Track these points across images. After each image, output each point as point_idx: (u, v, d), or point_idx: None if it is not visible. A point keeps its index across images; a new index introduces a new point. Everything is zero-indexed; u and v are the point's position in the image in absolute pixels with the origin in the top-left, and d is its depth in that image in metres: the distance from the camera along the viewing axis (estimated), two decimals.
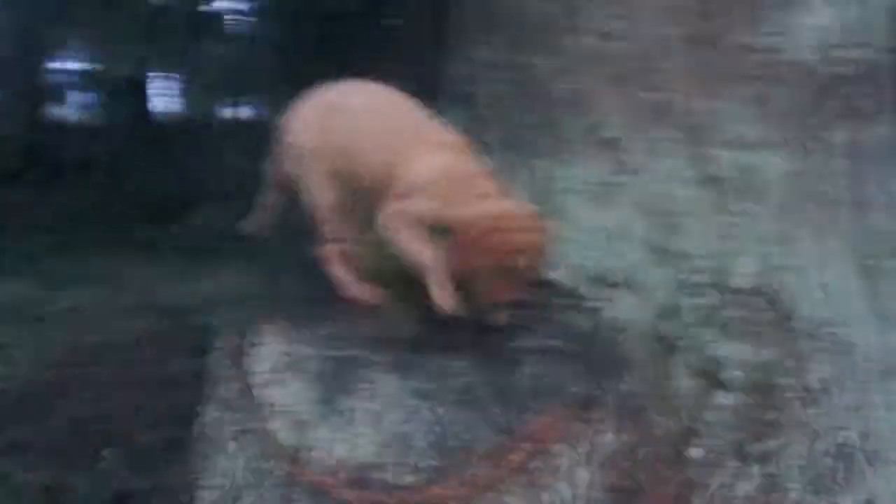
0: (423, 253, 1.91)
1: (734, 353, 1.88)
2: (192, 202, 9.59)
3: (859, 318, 2.08)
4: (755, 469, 1.77)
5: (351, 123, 2.03)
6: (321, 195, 2.10)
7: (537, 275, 1.85)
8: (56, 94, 10.86)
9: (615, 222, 2.05)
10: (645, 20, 2.05)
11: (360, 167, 2.02)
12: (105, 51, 7.43)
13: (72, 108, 13.90)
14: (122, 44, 7.03)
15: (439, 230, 1.85)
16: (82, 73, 9.84)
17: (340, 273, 2.14)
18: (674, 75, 2.05)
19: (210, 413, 1.90)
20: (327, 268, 2.15)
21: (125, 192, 8.90)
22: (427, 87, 2.22)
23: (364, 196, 2.08)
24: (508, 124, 2.24)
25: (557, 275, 2.07)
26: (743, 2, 2.04)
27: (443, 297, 1.88)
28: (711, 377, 1.86)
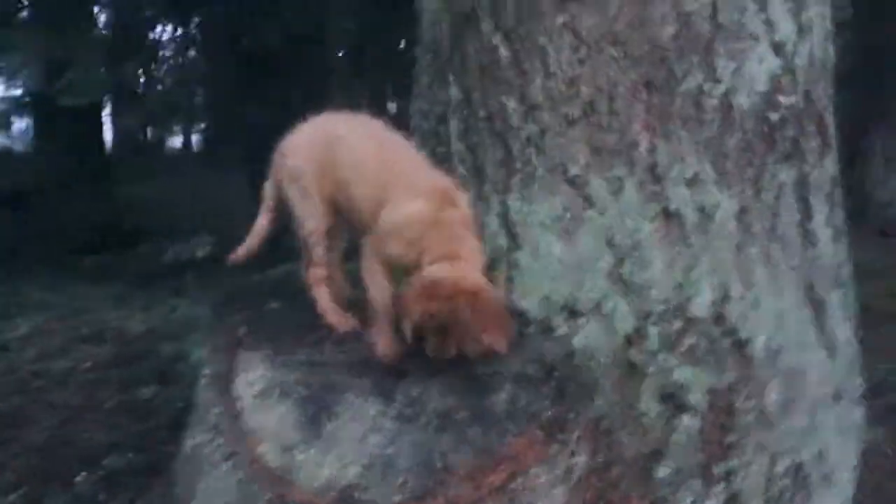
0: (379, 300, 2.04)
1: (696, 378, 1.99)
2: (136, 231, 9.53)
3: (809, 346, 2.22)
4: (720, 488, 1.88)
5: (346, 156, 2.13)
6: (310, 219, 2.19)
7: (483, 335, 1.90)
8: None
9: (581, 255, 2.15)
10: (608, 66, 2.17)
11: (350, 201, 2.12)
12: (51, 78, 7.36)
13: (16, 136, 13.71)
14: (70, 71, 6.99)
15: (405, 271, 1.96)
16: (27, 100, 9.71)
17: (322, 298, 2.23)
18: (634, 118, 2.18)
19: (197, 436, 1.95)
20: (311, 292, 2.24)
21: (69, 221, 8.78)
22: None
23: (351, 227, 2.18)
24: (478, 160, 2.34)
25: (527, 304, 2.18)
26: (697, 50, 2.17)
27: (384, 344, 2.03)
28: (676, 401, 1.97)
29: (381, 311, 2.04)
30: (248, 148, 9.82)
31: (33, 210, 8.97)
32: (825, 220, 2.33)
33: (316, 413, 1.90)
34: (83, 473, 2.85)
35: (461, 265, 1.89)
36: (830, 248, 2.35)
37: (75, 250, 8.15)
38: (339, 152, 2.14)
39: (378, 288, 2.05)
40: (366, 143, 2.13)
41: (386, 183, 2.03)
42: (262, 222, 2.37)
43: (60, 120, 8.96)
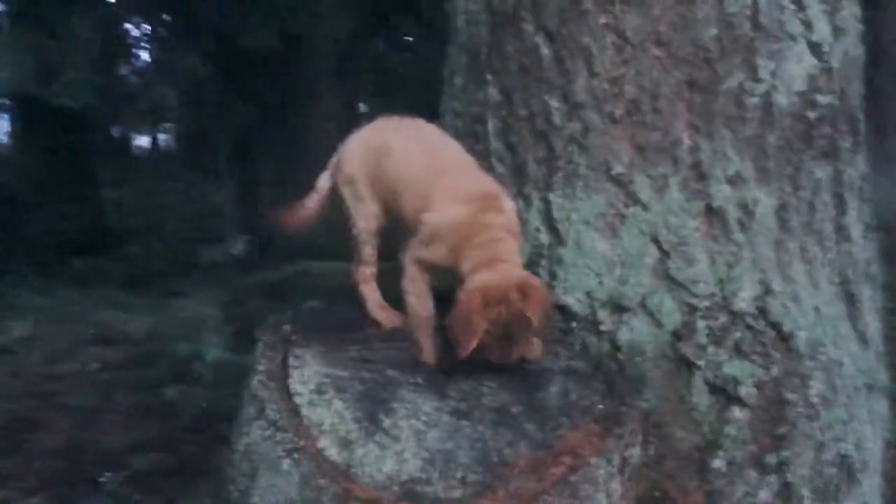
0: (418, 306, 2.07)
1: (745, 370, 2.03)
2: (123, 233, 9.48)
3: (844, 338, 2.27)
4: (773, 478, 1.92)
5: (394, 168, 2.16)
6: (361, 220, 2.24)
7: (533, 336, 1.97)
8: None
9: (626, 251, 2.19)
10: (652, 65, 2.21)
11: (400, 210, 2.16)
12: (39, 80, 7.29)
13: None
14: (64, 73, 6.94)
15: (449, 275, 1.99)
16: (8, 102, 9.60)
17: (370, 295, 2.27)
18: (678, 117, 2.22)
19: (253, 434, 1.95)
20: (359, 288, 2.28)
21: (55, 224, 8.71)
22: None
23: (401, 230, 2.21)
24: (518, 159, 2.37)
25: (571, 301, 2.21)
26: (738, 50, 2.22)
27: (427, 351, 2.07)
28: (727, 394, 2.00)
29: (421, 320, 2.07)
30: (230, 149, 9.82)
31: (18, 213, 8.88)
32: (857, 216, 2.39)
33: (373, 409, 1.92)
34: (108, 474, 2.84)
35: (502, 266, 1.91)
36: (862, 243, 2.41)
37: (62, 253, 8.07)
38: (388, 164, 2.17)
39: (418, 296, 2.07)
40: (414, 153, 2.16)
41: (430, 189, 2.06)
42: (317, 202, 2.38)
43: (46, 122, 8.87)
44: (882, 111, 8.08)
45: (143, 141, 23.64)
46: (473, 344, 1.85)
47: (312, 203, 2.39)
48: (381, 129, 2.29)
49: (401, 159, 2.16)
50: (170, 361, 3.83)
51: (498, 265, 1.91)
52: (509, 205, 2.05)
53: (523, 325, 1.86)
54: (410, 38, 11.85)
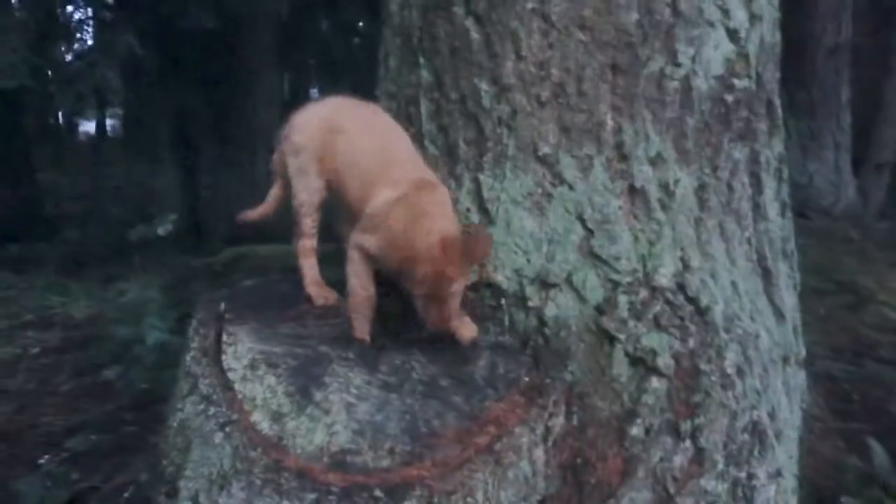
0: (359, 287, 2.12)
1: (663, 343, 2.12)
2: (55, 219, 9.32)
3: (760, 312, 2.37)
4: (687, 444, 2.02)
5: (345, 149, 2.22)
6: (304, 192, 2.29)
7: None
8: None
9: (552, 229, 2.26)
10: (577, 49, 2.28)
11: (343, 188, 2.22)
12: None
13: None
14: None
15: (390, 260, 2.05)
16: None
17: (308, 269, 2.33)
18: (601, 99, 2.29)
19: (187, 409, 1.99)
20: (297, 261, 2.34)
21: None
22: None
23: (342, 211, 2.26)
24: (450, 140, 2.43)
25: (501, 278, 2.28)
26: (659, 35, 2.29)
27: (360, 330, 2.13)
28: (646, 365, 2.09)
29: (360, 300, 2.12)
30: (171, 133, 9.71)
31: None
32: (774, 195, 2.50)
33: (305, 383, 1.97)
34: (46, 456, 2.84)
35: (428, 229, 1.98)
36: (778, 221, 2.51)
37: None
38: (338, 142, 2.23)
39: (360, 278, 2.12)
40: (364, 138, 2.21)
41: (375, 179, 2.12)
42: (276, 190, 2.47)
43: None
44: (816, 95, 8.31)
45: (89, 126, 23.14)
46: (425, 285, 1.95)
47: (276, 191, 2.46)
48: (336, 107, 2.33)
49: (352, 143, 2.21)
50: (110, 344, 3.81)
51: (429, 217, 1.99)
52: (444, 190, 2.13)
53: (448, 283, 1.94)
54: (355, 20, 11.77)
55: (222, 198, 8.59)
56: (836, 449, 3.11)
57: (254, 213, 2.50)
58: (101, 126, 21.84)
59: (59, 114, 20.98)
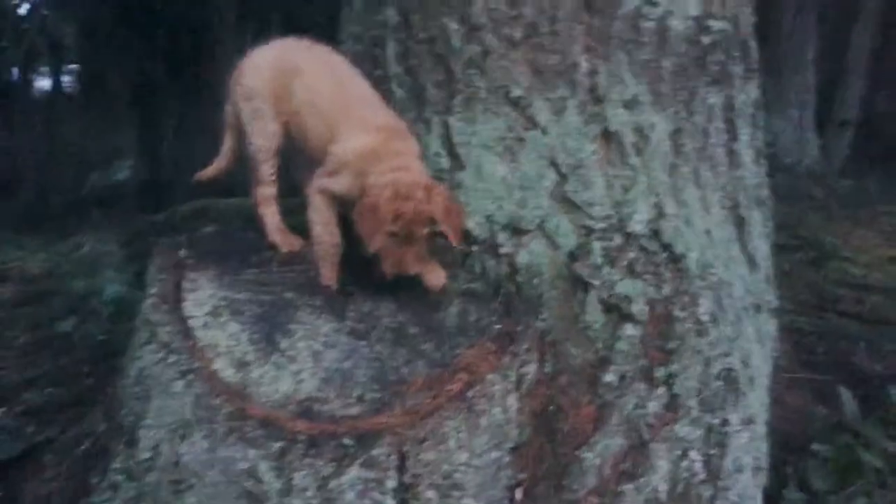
0: (325, 234, 2.05)
1: (637, 290, 2.08)
2: (9, 177, 9.09)
3: (734, 260, 2.34)
4: (661, 391, 1.99)
5: (302, 89, 2.13)
6: (260, 137, 2.19)
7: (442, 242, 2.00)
8: None
9: (524, 175, 2.20)
10: None
11: (302, 133, 2.14)
12: None
13: None
14: None
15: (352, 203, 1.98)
16: None
17: (269, 217, 2.25)
18: (575, 40, 2.22)
19: (146, 357, 1.92)
20: (257, 210, 2.25)
21: None
22: None
23: (302, 157, 2.17)
24: (418, 83, 2.35)
25: (471, 224, 2.22)
26: None
27: (327, 275, 2.06)
28: (620, 311, 2.05)
29: (327, 246, 2.06)
30: (130, 92, 9.48)
31: None
32: (748, 142, 2.45)
33: (269, 330, 1.91)
34: (1, 409, 2.76)
35: (409, 171, 1.95)
36: (753, 168, 2.47)
37: None
38: (295, 83, 2.14)
39: (325, 224, 2.05)
40: (323, 78, 2.13)
41: (338, 120, 2.04)
42: (229, 143, 2.36)
43: None
44: (782, 53, 8.32)
45: (45, 83, 22.56)
46: (381, 236, 1.88)
47: (229, 143, 2.36)
48: (289, 49, 2.23)
49: (310, 83, 2.12)
50: (66, 298, 3.70)
51: (405, 172, 1.94)
52: (413, 139, 2.07)
53: (426, 226, 1.90)
54: None
55: (183, 154, 8.42)
56: (803, 399, 3.13)
57: (209, 171, 2.41)
58: (56, 82, 21.31)
59: (13, 70, 20.43)
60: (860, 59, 9.22)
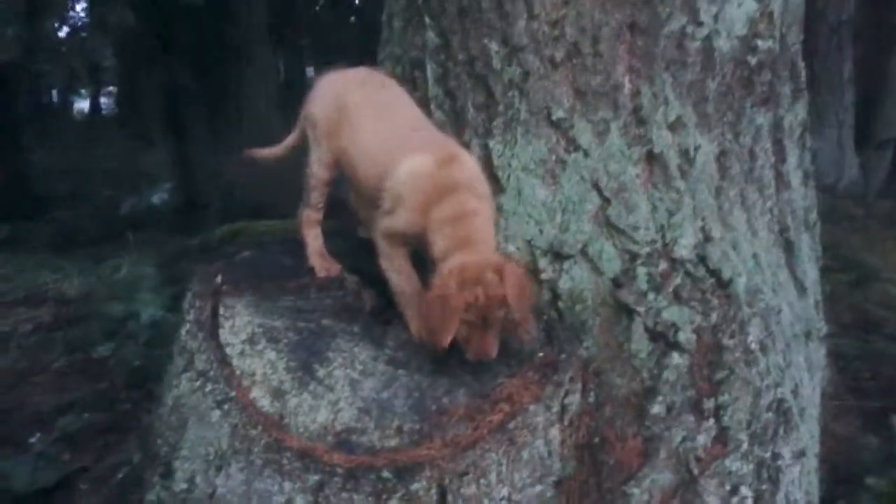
0: (403, 282, 1.96)
1: (684, 317, 2.01)
2: (45, 198, 9.14)
3: (782, 286, 2.27)
4: (710, 423, 1.92)
5: (350, 127, 2.08)
6: (315, 164, 2.18)
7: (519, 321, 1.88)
8: None
9: (566, 198, 2.15)
10: (593, 7, 2.16)
11: (352, 168, 2.09)
12: None
13: None
14: None
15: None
16: None
17: (311, 240, 2.22)
18: (618, 60, 2.17)
19: (182, 386, 1.89)
20: (301, 231, 2.23)
21: None
22: None
23: (361, 203, 2.19)
24: (458, 104, 2.31)
25: (511, 249, 2.17)
26: None
27: (419, 330, 1.92)
28: (666, 340, 1.99)
29: (408, 297, 1.95)
30: (163, 110, 9.52)
31: None
32: (797, 163, 2.39)
33: (307, 358, 1.87)
34: (37, 435, 2.74)
35: (476, 248, 1.80)
36: (801, 190, 2.41)
37: None
38: (344, 121, 2.10)
39: (399, 272, 1.95)
40: (368, 116, 2.07)
41: (385, 154, 1.96)
42: (291, 138, 2.36)
43: None
44: (818, 72, 8.19)
45: (84, 105, 22.95)
46: (452, 332, 1.74)
47: (293, 136, 2.35)
48: (345, 82, 2.18)
49: (355, 121, 2.07)
50: (103, 322, 3.70)
51: (472, 247, 1.79)
52: (471, 159, 1.95)
53: (500, 310, 1.77)
54: None
55: (216, 176, 8.44)
56: (851, 427, 3.03)
57: (262, 152, 2.41)
58: (94, 103, 21.65)
59: (53, 91, 20.81)
60: None
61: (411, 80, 2.42)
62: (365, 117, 2.07)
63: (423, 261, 1.92)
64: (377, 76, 2.20)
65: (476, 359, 1.82)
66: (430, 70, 2.36)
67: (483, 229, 1.84)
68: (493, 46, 2.23)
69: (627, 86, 2.17)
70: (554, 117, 2.18)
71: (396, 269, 1.95)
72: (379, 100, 2.12)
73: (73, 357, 3.46)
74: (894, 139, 9.18)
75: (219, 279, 2.12)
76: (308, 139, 2.21)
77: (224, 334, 1.90)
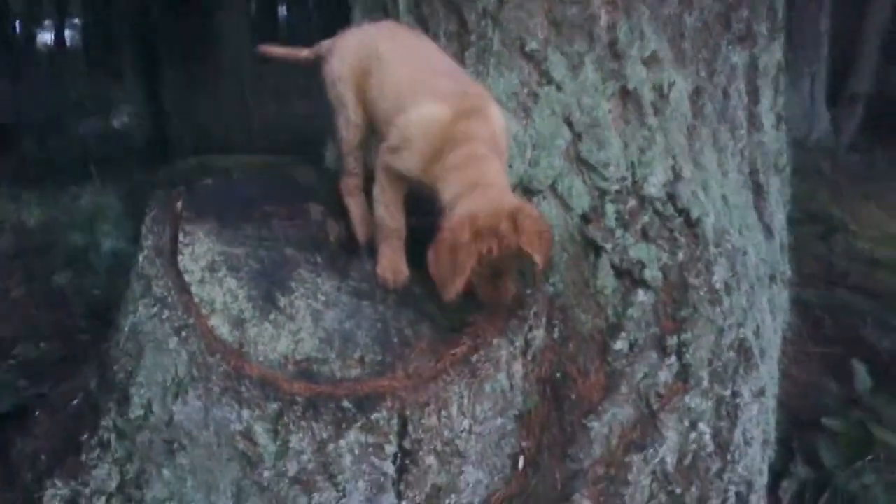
0: (387, 216, 1.87)
1: (651, 254, 2.00)
2: (7, 129, 8.94)
3: (750, 228, 2.27)
4: (672, 360, 1.92)
5: (379, 76, 1.92)
6: (344, 129, 2.02)
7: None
8: None
9: (538, 132, 2.11)
10: None
11: (375, 111, 1.94)
12: None
13: None
14: None
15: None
16: None
17: (354, 207, 2.05)
18: None
19: (140, 312, 1.85)
20: (342, 199, 2.07)
21: None
22: None
23: (374, 136, 2.01)
24: (430, 33, 2.24)
25: None
26: None
27: (384, 268, 1.88)
28: (632, 277, 1.98)
29: (388, 230, 1.88)
30: (134, 47, 9.30)
31: None
32: (770, 105, 2.37)
33: (269, 287, 1.83)
34: None
35: (489, 192, 1.68)
36: (773, 133, 2.39)
37: None
38: (373, 69, 1.93)
39: (388, 206, 1.87)
40: (400, 60, 1.91)
41: (406, 93, 1.82)
42: (304, 50, 2.17)
43: None
44: (794, 24, 8.15)
45: (48, 37, 22.35)
46: (460, 286, 1.62)
47: (299, 53, 2.19)
48: (373, 33, 2.02)
49: (386, 67, 1.91)
50: (63, 251, 3.63)
51: (483, 190, 1.67)
52: (497, 114, 1.80)
53: (515, 258, 1.67)
54: None
55: (187, 113, 8.28)
56: (811, 373, 3.07)
57: (279, 50, 2.24)
58: (59, 36, 21.11)
59: (16, 22, 20.27)
60: (875, 31, 9.07)
61: (382, 8, 2.35)
62: (395, 63, 1.91)
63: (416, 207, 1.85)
64: (405, 27, 2.10)
65: (488, 303, 1.76)
66: None
67: (495, 172, 1.72)
68: None
69: (604, 17, 2.12)
70: (527, 49, 2.13)
71: (385, 202, 1.86)
72: (410, 46, 1.97)
73: (32, 286, 3.40)
74: (865, 93, 9.21)
75: (179, 205, 2.06)
76: (331, 101, 2.04)
77: (183, 261, 1.85)
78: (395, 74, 1.88)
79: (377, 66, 1.92)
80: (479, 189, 1.67)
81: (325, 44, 2.08)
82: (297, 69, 2.30)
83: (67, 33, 22.05)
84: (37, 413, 2.16)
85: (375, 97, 1.91)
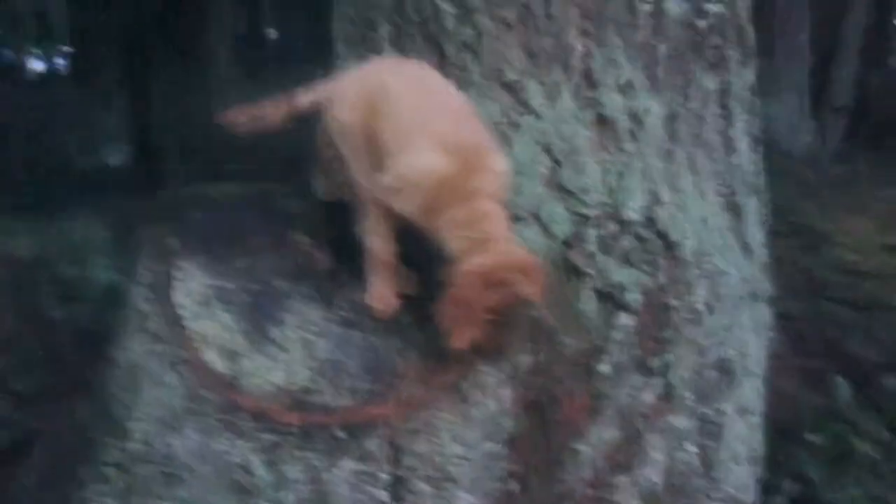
0: (381, 251, 1.88)
1: (632, 278, 2.05)
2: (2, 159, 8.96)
3: (728, 249, 2.32)
4: (656, 380, 1.97)
5: (387, 106, 1.85)
6: (363, 177, 1.92)
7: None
8: None
9: (518, 161, 2.17)
10: None
11: (380, 152, 1.86)
12: None
13: None
14: None
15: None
16: None
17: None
18: (569, 22, 2.18)
19: (136, 348, 1.89)
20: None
21: None
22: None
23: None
24: None
25: None
26: None
27: (374, 299, 1.90)
28: (615, 300, 2.03)
29: (378, 262, 1.89)
30: (121, 67, 9.34)
31: None
32: (745, 128, 2.42)
33: (260, 319, 1.88)
34: None
35: (497, 245, 1.69)
36: (749, 155, 2.44)
37: None
38: (382, 105, 1.85)
39: (380, 237, 1.87)
40: (407, 95, 1.85)
41: (411, 132, 1.78)
42: (282, 106, 2.09)
43: None
44: (775, 37, 8.27)
45: (38, 65, 22.39)
46: (470, 337, 1.67)
47: (277, 109, 2.09)
48: (377, 69, 1.98)
49: (394, 103, 1.84)
50: (54, 284, 3.67)
51: (494, 245, 1.68)
52: (502, 165, 1.79)
53: (524, 308, 1.73)
54: None
55: (174, 135, 8.33)
56: (794, 385, 3.12)
57: (242, 116, 2.12)
58: (49, 64, 21.15)
59: (4, 50, 20.31)
60: (852, 40, 9.20)
61: (364, 42, 2.41)
62: (403, 97, 1.85)
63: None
64: (413, 62, 2.07)
65: (489, 354, 1.80)
66: (384, 30, 2.35)
67: (502, 227, 1.73)
68: (446, 7, 2.22)
69: (579, 48, 2.18)
70: (506, 79, 2.19)
71: (377, 233, 1.87)
72: (420, 81, 1.93)
73: (24, 319, 3.43)
74: (850, 105, 9.33)
75: (172, 241, 2.11)
76: (340, 153, 1.98)
77: (176, 296, 1.90)
78: (401, 109, 1.83)
79: (386, 101, 1.86)
80: (488, 244, 1.68)
81: (323, 89, 2.04)
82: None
83: (57, 61, 22.10)
84: (35, 448, 2.20)
85: (382, 135, 1.85)
